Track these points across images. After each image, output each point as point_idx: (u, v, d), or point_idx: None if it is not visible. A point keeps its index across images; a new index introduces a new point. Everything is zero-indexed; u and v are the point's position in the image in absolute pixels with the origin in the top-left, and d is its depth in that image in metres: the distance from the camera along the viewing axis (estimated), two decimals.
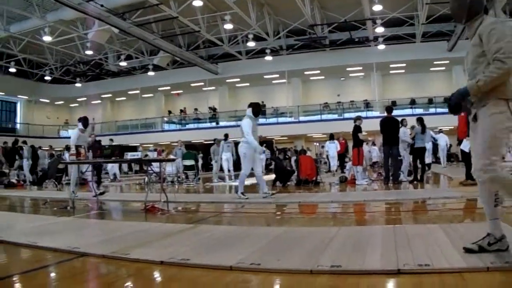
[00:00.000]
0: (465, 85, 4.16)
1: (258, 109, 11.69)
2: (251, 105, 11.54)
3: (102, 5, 25.68)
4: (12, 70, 42.78)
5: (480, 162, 4.09)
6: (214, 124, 42.52)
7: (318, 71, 39.31)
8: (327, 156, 24.77)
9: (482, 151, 4.07)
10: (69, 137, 13.82)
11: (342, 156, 20.37)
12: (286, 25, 34.37)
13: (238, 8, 27.19)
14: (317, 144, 31.95)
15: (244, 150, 11.08)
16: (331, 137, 23.00)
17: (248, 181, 13.39)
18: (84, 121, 13.12)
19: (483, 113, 4.10)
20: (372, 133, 17.49)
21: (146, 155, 10.11)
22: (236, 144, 14.14)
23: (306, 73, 39.57)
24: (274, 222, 8.03)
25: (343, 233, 5.50)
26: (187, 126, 44.69)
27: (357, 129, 15.07)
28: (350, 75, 40.24)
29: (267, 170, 31.63)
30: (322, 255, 4.31)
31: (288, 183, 16.40)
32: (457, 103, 4.22)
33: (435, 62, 35.69)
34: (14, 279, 4.22)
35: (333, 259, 4.12)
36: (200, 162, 26.92)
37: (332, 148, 22.79)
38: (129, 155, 10.10)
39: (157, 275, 4.23)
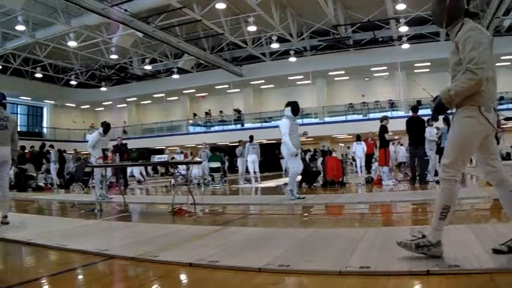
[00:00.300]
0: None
1: (297, 108, 11.29)
2: (289, 104, 11.20)
3: (126, 10, 25.85)
4: (38, 75, 43.26)
5: (442, 161, 4.21)
6: (239, 126, 42.66)
7: (343, 72, 39.09)
8: (353, 157, 24.73)
9: (447, 151, 4.20)
10: None
11: (370, 157, 20.24)
12: (309, 26, 34.25)
13: (261, 10, 27.19)
14: (343, 145, 31.86)
15: (286, 151, 10.98)
16: (358, 138, 22.88)
17: (273, 183, 13.39)
18: (106, 127, 13.24)
19: (456, 117, 4.22)
20: (397, 133, 17.41)
21: (173, 158, 10.15)
22: (261, 146, 14.14)
23: (330, 73, 39.40)
24: (301, 224, 8.02)
25: (371, 234, 5.47)
26: (212, 129, 44.73)
27: (384, 130, 14.95)
28: (375, 75, 39.95)
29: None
30: (351, 256, 4.30)
31: (315, 184, 16.32)
32: (437, 109, 4.32)
33: None
34: (45, 281, 4.27)
35: (361, 260, 4.11)
36: (226, 164, 26.96)
37: (359, 149, 22.70)
38: (156, 158, 10.17)
39: (186, 277, 4.25)
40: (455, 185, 4.08)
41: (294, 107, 11.18)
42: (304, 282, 3.81)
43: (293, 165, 11.00)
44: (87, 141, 13.78)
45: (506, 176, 4.16)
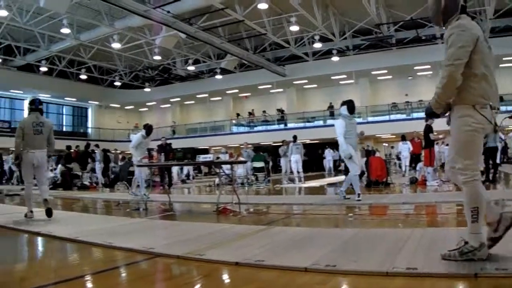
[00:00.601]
0: None
1: (353, 106, 11.10)
2: (345, 103, 11.05)
3: (168, 12, 26.04)
4: (83, 77, 44.01)
5: (448, 164, 4.29)
6: (282, 126, 42.44)
7: (386, 71, 38.59)
8: (397, 156, 24.60)
9: (452, 154, 4.27)
10: None
11: (418, 156, 19.94)
12: (352, 25, 33.92)
13: (303, 10, 27.11)
14: (386, 144, 31.57)
15: (341, 152, 10.90)
16: (403, 138, 22.70)
17: (316, 183, 13.33)
18: (148, 129, 13.44)
19: (452, 117, 4.27)
20: (441, 133, 17.16)
21: (218, 158, 10.21)
22: (305, 145, 14.05)
23: (373, 73, 38.98)
24: (346, 224, 8.00)
25: (417, 235, 5.41)
26: (256, 128, 44.66)
27: (429, 129, 14.74)
28: (418, 74, 39.18)
29: (336, 171, 31.55)
30: (397, 257, 4.29)
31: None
32: (429, 115, 4.60)
33: (504, 58, 34.70)
34: (92, 278, 4.36)
35: (408, 261, 4.09)
36: (270, 164, 26.99)
37: (405, 149, 22.55)
38: (201, 158, 10.23)
39: (232, 276, 4.27)
40: (476, 185, 4.04)
41: (350, 105, 11.03)
42: (351, 282, 3.80)
43: (351, 168, 10.82)
44: (131, 141, 14.04)
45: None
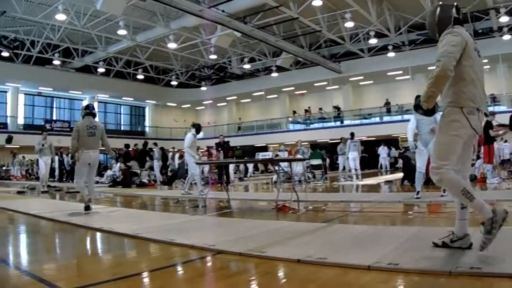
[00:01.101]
0: None
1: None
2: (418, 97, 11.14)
3: (223, 11, 26.19)
4: (140, 76, 44.87)
5: (432, 164, 4.56)
6: (338, 123, 42.20)
7: None
8: None
9: (433, 154, 4.64)
10: (197, 139, 14.52)
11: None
12: (407, 20, 33.43)
13: (358, 5, 26.97)
14: None
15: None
16: None
17: (374, 180, 13.25)
18: (198, 127, 13.86)
19: (441, 120, 4.63)
20: (499, 129, 16.75)
21: (277, 155, 10.26)
22: (361, 142, 13.95)
23: (429, 68, 38.05)
24: (405, 222, 7.94)
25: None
26: (312, 126, 44.47)
27: (489, 126, 14.44)
28: None
29: (393, 169, 31.26)
30: (460, 256, 4.26)
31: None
32: (415, 107, 4.81)
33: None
34: (158, 273, 4.45)
35: (472, 260, 4.06)
36: (327, 161, 26.94)
37: None
38: (261, 155, 10.30)
39: (294, 274, 4.26)
40: (452, 177, 4.36)
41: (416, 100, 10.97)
42: (414, 281, 3.79)
43: (418, 164, 10.87)
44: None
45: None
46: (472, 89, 4.38)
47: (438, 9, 4.81)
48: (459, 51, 4.35)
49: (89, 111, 10.41)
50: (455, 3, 4.80)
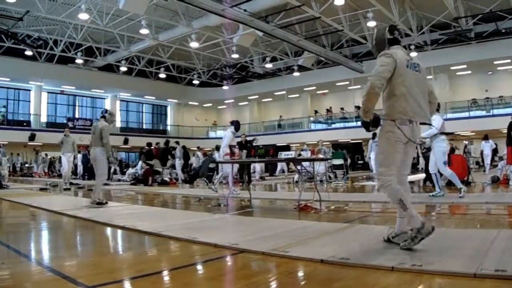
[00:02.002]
0: None
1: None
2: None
3: (245, 10, 26.21)
4: (162, 75, 45.18)
5: (375, 171, 5.11)
6: (360, 123, 41.87)
7: (465, 66, 37.23)
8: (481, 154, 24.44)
9: (378, 162, 5.17)
10: (218, 138, 14.58)
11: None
12: (429, 20, 33.17)
13: (380, 5, 26.87)
14: (466, 142, 30.81)
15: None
16: (486, 137, 22.51)
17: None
18: (237, 124, 13.82)
19: (379, 131, 5.18)
20: None
21: (299, 154, 10.26)
22: None
23: (452, 68, 37.88)
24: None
25: (504, 236, 5.29)
26: (333, 126, 44.22)
27: (511, 127, 14.33)
28: (498, 68, 37.65)
29: (414, 169, 31.08)
30: (485, 259, 4.21)
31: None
32: (364, 122, 5.24)
33: (495, 62, 33.74)
34: (181, 271, 4.51)
35: (496, 263, 4.02)
36: (348, 161, 26.86)
37: (487, 148, 22.41)
38: (283, 155, 10.31)
39: (318, 274, 4.28)
40: (393, 187, 4.90)
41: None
42: (438, 282, 3.78)
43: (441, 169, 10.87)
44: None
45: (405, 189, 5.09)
46: (402, 103, 4.90)
47: (375, 33, 5.42)
48: (388, 70, 4.91)
49: (102, 114, 11.30)
50: (389, 25, 5.40)
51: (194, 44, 33.28)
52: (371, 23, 29.22)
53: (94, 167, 11.06)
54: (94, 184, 11.46)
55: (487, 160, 23.60)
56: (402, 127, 4.89)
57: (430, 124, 5.71)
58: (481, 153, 25.30)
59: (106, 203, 10.82)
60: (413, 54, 34.39)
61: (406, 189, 5.15)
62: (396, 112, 4.92)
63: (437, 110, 10.89)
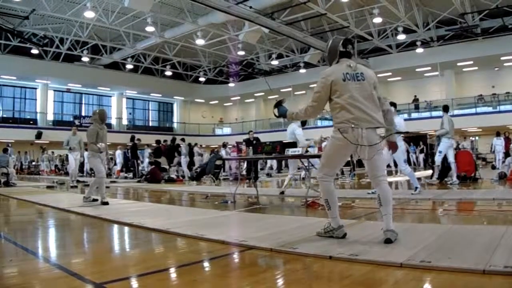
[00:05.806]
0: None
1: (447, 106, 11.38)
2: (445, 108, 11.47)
3: (251, 7, 26.22)
4: (168, 73, 45.38)
5: (317, 167, 5.55)
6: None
7: (471, 62, 37.28)
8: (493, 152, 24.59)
9: (321, 159, 5.72)
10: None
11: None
12: (435, 16, 33.17)
13: (386, 1, 26.82)
14: (473, 138, 30.75)
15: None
16: (498, 134, 22.64)
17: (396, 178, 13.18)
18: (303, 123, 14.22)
19: (330, 135, 5.54)
20: None
21: (307, 151, 10.19)
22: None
23: (458, 64, 37.79)
24: (437, 219, 7.88)
25: None
26: None
27: None
28: (505, 64, 37.56)
29: (426, 166, 31.00)
30: (494, 255, 4.18)
31: (446, 179, 15.71)
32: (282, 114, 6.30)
33: (502, 58, 33.61)
34: (190, 268, 4.49)
35: (506, 259, 3.98)
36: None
37: (499, 144, 22.55)
38: (290, 151, 10.27)
39: (327, 270, 4.29)
40: (328, 184, 5.48)
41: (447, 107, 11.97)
42: (447, 279, 3.73)
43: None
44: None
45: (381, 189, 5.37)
46: (344, 113, 5.24)
47: (329, 43, 5.70)
48: (322, 96, 5.42)
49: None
50: (344, 38, 5.67)
51: (200, 42, 33.47)
52: (377, 20, 29.27)
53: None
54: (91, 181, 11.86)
55: (499, 156, 23.86)
56: (344, 134, 5.22)
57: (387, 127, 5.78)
58: (491, 148, 25.40)
59: (107, 203, 10.71)
60: (419, 50, 34.39)
61: (382, 189, 5.32)
62: (339, 122, 5.29)
63: (444, 109, 11.06)
